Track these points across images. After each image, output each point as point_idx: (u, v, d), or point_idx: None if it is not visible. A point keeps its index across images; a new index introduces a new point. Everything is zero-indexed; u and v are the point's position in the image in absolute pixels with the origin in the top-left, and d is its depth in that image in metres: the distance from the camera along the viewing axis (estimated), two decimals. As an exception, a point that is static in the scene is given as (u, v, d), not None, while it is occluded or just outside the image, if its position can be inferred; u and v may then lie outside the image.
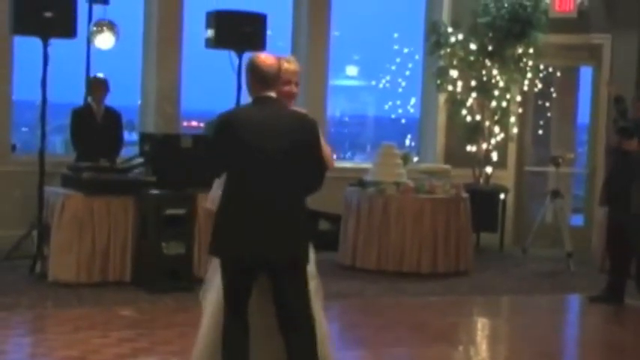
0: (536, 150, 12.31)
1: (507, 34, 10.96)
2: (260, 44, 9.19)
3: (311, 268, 4.75)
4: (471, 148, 11.28)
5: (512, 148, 11.72)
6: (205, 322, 4.82)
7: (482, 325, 7.93)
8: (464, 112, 11.16)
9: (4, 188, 9.54)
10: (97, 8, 9.71)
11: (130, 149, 9.85)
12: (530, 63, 11.17)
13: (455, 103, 11.21)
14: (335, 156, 5.00)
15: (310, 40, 10.98)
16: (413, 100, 11.97)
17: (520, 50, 11.07)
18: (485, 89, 11.12)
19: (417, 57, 11.81)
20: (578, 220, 12.28)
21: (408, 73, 11.80)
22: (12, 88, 9.81)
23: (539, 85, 11.57)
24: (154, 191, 8.06)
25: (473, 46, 11.03)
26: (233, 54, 9.26)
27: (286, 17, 11.08)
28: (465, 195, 9.76)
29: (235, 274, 4.57)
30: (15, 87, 9.81)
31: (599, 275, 9.38)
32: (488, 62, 11.07)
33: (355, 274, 9.18)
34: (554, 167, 10.53)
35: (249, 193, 4.51)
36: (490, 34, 11.02)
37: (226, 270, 4.59)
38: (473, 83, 11.12)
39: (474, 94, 11.14)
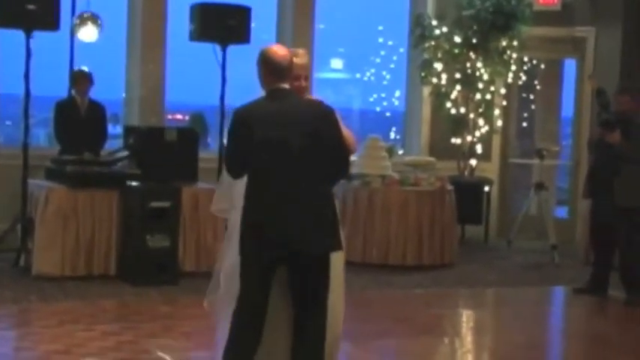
0: (521, 142, 12.34)
1: (491, 26, 10.96)
2: (244, 37, 9.17)
3: (339, 262, 4.73)
4: (455, 140, 11.29)
5: (496, 140, 11.74)
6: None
7: (467, 317, 7.94)
8: (448, 104, 11.17)
9: (-12, 182, 9.49)
10: (80, 0, 9.65)
11: (114, 142, 9.81)
12: (515, 55, 11.19)
13: (439, 95, 11.21)
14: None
15: (295, 33, 10.95)
16: (397, 93, 11.98)
17: (504, 43, 11.08)
18: (469, 82, 11.13)
19: (401, 50, 11.81)
20: (562, 212, 12.33)
21: (392, 65, 11.82)
22: (-5, 81, 9.76)
23: (524, 78, 11.61)
24: (139, 184, 8.04)
25: (457, 39, 11.03)
26: (217, 47, 9.24)
27: (271, 10, 11.05)
28: (449, 187, 9.77)
29: (261, 271, 4.48)
30: (-2, 80, 9.76)
31: (583, 267, 9.42)
32: (472, 55, 11.08)
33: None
34: (539, 160, 10.56)
35: (274, 187, 4.43)
36: (474, 27, 11.02)
37: (250, 265, 4.49)
38: (457, 76, 11.12)
39: (458, 87, 11.15)
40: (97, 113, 9.45)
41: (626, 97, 8.33)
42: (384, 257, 9.32)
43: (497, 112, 11.38)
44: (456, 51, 11.06)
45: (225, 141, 5.23)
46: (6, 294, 7.36)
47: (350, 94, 13.84)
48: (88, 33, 9.56)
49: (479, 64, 11.09)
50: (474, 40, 11.04)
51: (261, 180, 4.48)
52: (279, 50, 4.61)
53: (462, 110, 11.22)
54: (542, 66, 12.09)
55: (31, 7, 8.11)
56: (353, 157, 10.10)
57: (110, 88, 10.42)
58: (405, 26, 11.66)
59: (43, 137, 11.54)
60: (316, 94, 5.15)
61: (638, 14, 11.07)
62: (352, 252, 9.29)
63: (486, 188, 11.28)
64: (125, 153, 8.50)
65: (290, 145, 4.44)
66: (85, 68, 9.49)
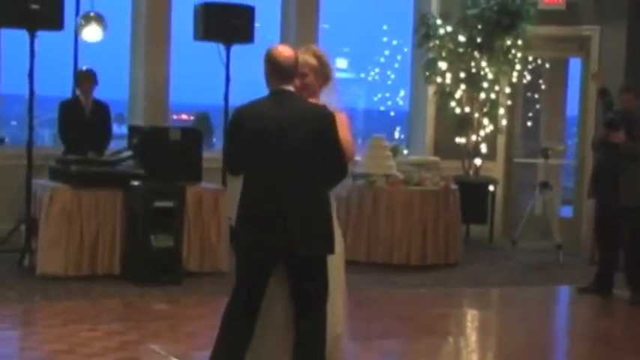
0: (526, 142, 12.32)
1: (496, 25, 10.95)
2: (248, 37, 9.18)
3: (339, 262, 4.73)
4: (460, 140, 11.28)
5: (501, 139, 11.72)
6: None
7: (471, 317, 7.93)
8: (453, 104, 11.15)
9: (-7, 181, 9.51)
10: (85, 0, 9.66)
11: (118, 142, 9.82)
12: (519, 55, 11.17)
13: (444, 95, 11.20)
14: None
15: (299, 32, 10.94)
16: (402, 93, 11.96)
17: (509, 42, 11.07)
18: (474, 81, 11.11)
19: (405, 49, 11.80)
20: (567, 211, 12.30)
21: (397, 65, 11.80)
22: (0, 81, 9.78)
23: (528, 77, 11.58)
24: (143, 184, 8.03)
25: (462, 38, 11.02)
26: (221, 46, 9.24)
27: (275, 9, 11.05)
28: (454, 187, 9.76)
29: (254, 267, 4.50)
30: (3, 80, 9.77)
31: (588, 267, 9.40)
32: (477, 54, 11.06)
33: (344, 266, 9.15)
34: (544, 159, 10.54)
35: (269, 187, 4.45)
36: (479, 26, 11.01)
37: (244, 263, 4.53)
38: (462, 75, 11.11)
39: (462, 86, 11.13)
40: (102, 113, 9.45)
41: (630, 95, 8.32)
42: (388, 257, 9.30)
43: (502, 111, 11.36)
44: (461, 50, 11.05)
45: (228, 141, 5.24)
46: (10, 294, 7.36)
47: (354, 93, 13.83)
48: (92, 33, 9.57)
49: (483, 64, 11.08)
50: (479, 40, 11.03)
51: (256, 179, 4.50)
52: (284, 51, 4.60)
53: (467, 110, 11.21)
54: (547, 65, 12.06)
55: (35, 7, 8.11)
56: (357, 157, 10.19)
57: (114, 88, 10.43)
58: (409, 25, 11.65)
59: (47, 137, 11.56)
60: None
61: (643, 13, 11.06)
62: (356, 251, 9.30)
63: (491, 188, 11.27)
64: (129, 153, 8.50)
65: (286, 146, 4.45)
66: (90, 68, 9.49)
